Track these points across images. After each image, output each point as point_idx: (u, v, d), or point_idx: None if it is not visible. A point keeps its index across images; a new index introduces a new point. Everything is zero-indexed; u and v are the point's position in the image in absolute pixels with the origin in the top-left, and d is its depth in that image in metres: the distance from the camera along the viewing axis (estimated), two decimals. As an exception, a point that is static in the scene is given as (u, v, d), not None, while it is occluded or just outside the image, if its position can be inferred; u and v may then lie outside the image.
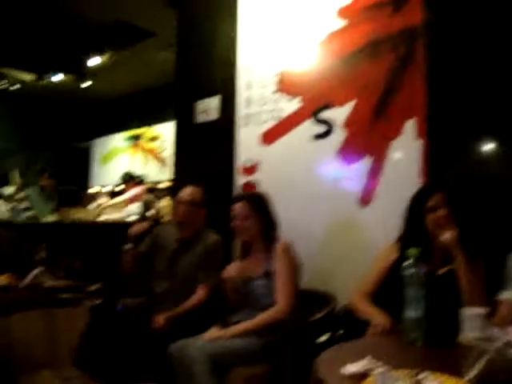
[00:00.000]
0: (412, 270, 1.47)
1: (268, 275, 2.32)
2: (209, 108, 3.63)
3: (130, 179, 5.93)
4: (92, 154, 8.71)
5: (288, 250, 2.36)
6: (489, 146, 2.46)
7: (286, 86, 3.12)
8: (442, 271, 2.00)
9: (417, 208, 2.05)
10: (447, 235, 1.92)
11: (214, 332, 2.23)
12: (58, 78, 6.21)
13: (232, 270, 2.43)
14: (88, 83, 6.40)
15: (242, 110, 3.35)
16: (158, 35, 5.34)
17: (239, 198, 2.53)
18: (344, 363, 1.15)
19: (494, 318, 1.81)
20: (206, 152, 3.60)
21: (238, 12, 3.47)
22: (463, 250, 1.93)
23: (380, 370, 1.02)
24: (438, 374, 1.02)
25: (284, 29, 3.18)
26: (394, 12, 2.70)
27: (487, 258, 2.04)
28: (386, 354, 1.28)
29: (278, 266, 2.31)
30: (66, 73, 6.17)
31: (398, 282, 1.59)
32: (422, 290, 1.45)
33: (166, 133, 6.97)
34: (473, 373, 1.01)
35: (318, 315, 2.25)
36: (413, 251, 1.52)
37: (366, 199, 2.71)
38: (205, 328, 2.28)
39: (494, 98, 2.37)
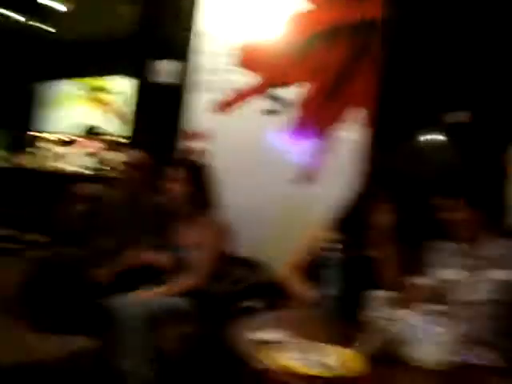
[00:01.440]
0: (331, 254, 1.60)
1: (197, 245, 2.39)
2: (165, 69, 3.62)
3: (90, 132, 5.79)
4: (39, 96, 8.36)
5: (217, 223, 2.44)
6: (430, 142, 2.63)
7: (244, 60, 3.15)
8: (365, 254, 2.17)
9: (368, 196, 2.18)
10: (383, 218, 2.09)
11: (146, 291, 2.32)
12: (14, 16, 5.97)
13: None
14: (45, 25, 6.17)
15: (197, 76, 3.36)
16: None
17: (179, 163, 2.56)
18: (257, 331, 1.27)
19: (403, 299, 2.01)
20: (157, 112, 3.61)
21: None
22: (391, 237, 2.10)
23: (285, 338, 1.15)
24: (334, 345, 1.15)
25: (250, 2, 3.19)
26: (357, 2, 2.78)
27: (411, 244, 2.23)
28: (298, 326, 1.41)
29: (205, 236, 2.38)
30: (20, 12, 5.93)
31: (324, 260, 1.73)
32: (337, 272, 1.59)
33: (120, 87, 6.82)
34: (363, 345, 1.15)
35: (248, 281, 2.38)
36: (332, 235, 1.64)
37: (311, 176, 2.84)
38: (140, 285, 2.37)
39: (443, 96, 2.53)
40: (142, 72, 3.79)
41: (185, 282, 2.34)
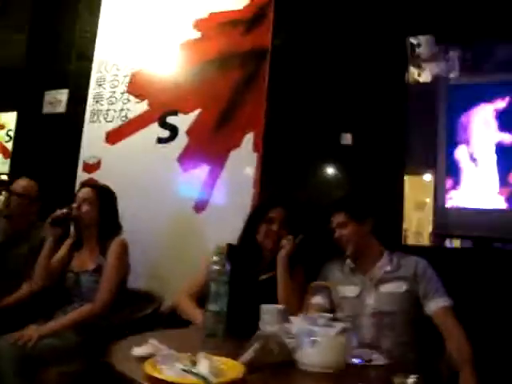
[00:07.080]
0: (217, 267, 1.57)
1: (99, 270, 2.29)
2: (57, 100, 3.50)
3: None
4: None
5: (122, 247, 2.35)
6: (317, 165, 2.70)
7: (134, 88, 3.14)
8: (264, 277, 2.15)
9: (256, 217, 2.21)
10: (283, 252, 2.08)
11: (30, 329, 2.11)
12: None
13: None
14: None
15: (91, 105, 3.29)
16: (12, 14, 4.96)
17: (87, 184, 2.52)
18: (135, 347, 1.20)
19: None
20: (50, 145, 3.45)
21: (100, 6, 3.41)
22: (288, 261, 2.10)
23: (163, 352, 1.09)
24: (213, 356, 1.11)
25: (142, 32, 3.21)
26: (246, 32, 2.87)
27: (307, 267, 2.24)
28: (184, 343, 1.35)
29: (108, 260, 2.29)
30: None
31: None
32: (224, 286, 1.55)
33: (12, 122, 6.45)
34: (246, 355, 1.12)
35: (142, 313, 2.28)
36: (220, 248, 1.61)
37: (201, 205, 2.81)
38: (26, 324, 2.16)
39: (326, 119, 2.64)
40: (32, 104, 3.63)
41: (83, 309, 2.20)
